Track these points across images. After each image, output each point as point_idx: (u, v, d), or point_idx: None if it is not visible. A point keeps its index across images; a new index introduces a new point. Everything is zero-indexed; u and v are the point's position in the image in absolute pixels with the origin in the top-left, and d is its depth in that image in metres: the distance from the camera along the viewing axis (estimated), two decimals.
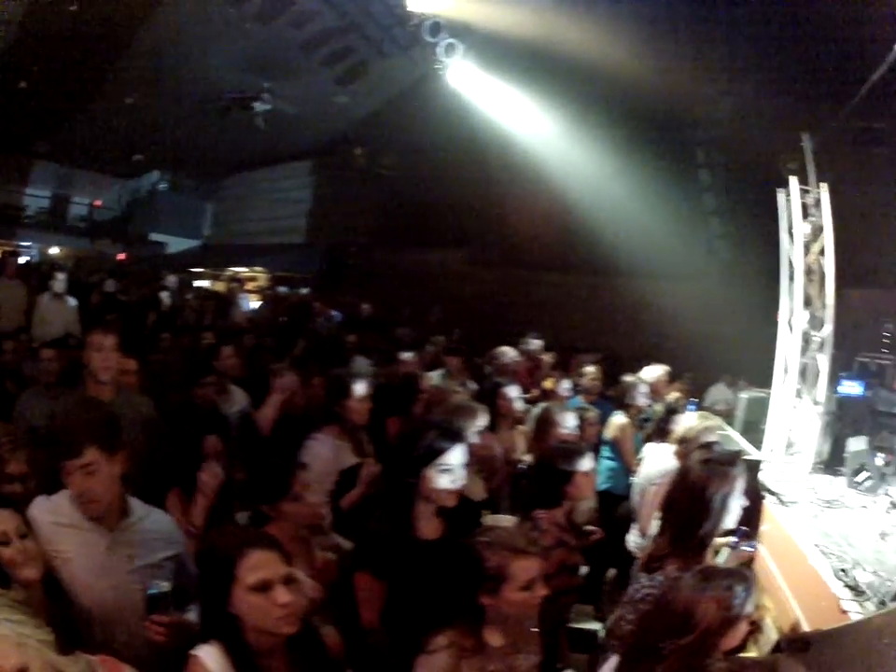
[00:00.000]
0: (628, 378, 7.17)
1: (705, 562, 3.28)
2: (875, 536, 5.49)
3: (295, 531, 3.36)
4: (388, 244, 19.19)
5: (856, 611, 4.24)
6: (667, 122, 13.52)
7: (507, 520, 3.38)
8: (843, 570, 4.81)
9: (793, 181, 7.80)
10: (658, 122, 13.44)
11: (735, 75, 11.05)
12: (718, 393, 11.21)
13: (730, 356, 11.19)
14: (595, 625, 5.65)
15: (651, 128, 13.51)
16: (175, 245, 24.23)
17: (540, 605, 2.94)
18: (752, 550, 3.66)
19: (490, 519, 3.43)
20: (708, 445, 4.68)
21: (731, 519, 3.46)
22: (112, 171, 23.33)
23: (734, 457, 3.61)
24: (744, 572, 2.69)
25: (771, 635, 4.91)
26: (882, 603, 4.31)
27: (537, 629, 3.01)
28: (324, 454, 4.61)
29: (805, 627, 4.63)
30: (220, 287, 18.64)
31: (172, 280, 14.84)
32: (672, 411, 5.94)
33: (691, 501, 3.35)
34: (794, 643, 3.34)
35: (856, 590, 4.51)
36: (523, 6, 11.28)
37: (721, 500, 3.34)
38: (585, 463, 4.11)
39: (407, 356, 7.66)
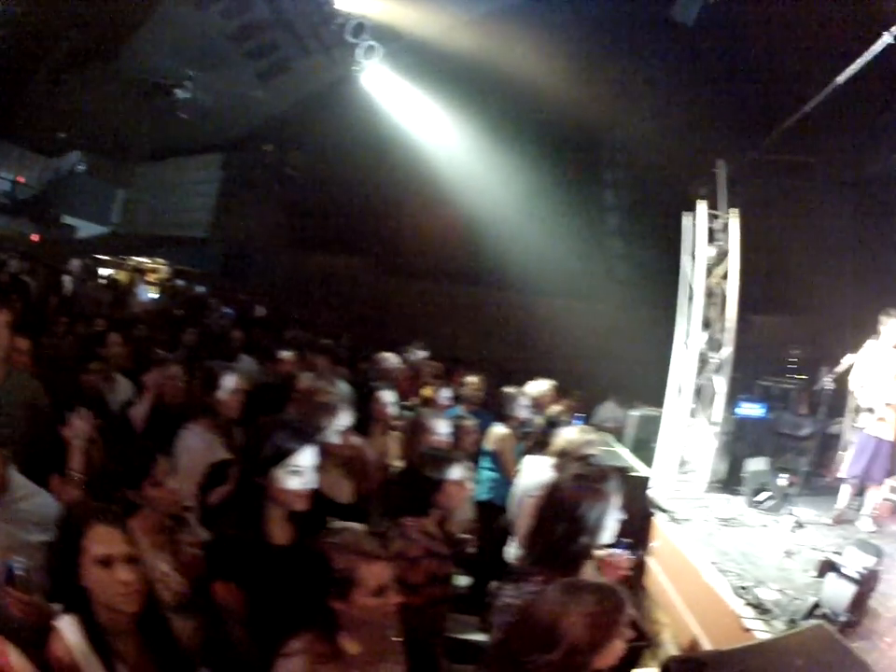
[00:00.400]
0: (508, 389, 6.86)
1: (580, 576, 3.00)
2: (779, 554, 5.40)
3: (161, 522, 3.18)
4: (288, 245, 18.86)
5: (761, 630, 4.08)
6: (577, 142, 13.44)
7: (356, 524, 2.97)
8: (743, 588, 4.65)
9: (702, 205, 7.75)
10: (568, 141, 13.32)
11: (651, 98, 10.98)
12: (607, 411, 10.94)
13: (623, 375, 10.90)
14: (480, 636, 5.39)
15: (560, 146, 13.35)
16: (86, 229, 23.15)
17: (411, 614, 2.85)
18: (633, 557, 3.34)
19: (337, 522, 2.99)
20: (584, 459, 4.50)
21: (607, 535, 3.18)
22: (37, 147, 22.27)
23: (606, 474, 3.32)
24: (614, 587, 2.42)
25: (669, 650, 4.79)
26: (792, 622, 4.14)
27: (399, 639, 2.75)
28: (193, 445, 4.35)
29: (707, 645, 4.45)
30: (123, 276, 18.01)
31: (75, 265, 14.20)
32: (553, 423, 5.64)
33: (562, 518, 3.06)
34: (685, 664, 2.94)
35: (760, 608, 4.36)
36: (449, 16, 11.05)
37: (595, 517, 3.07)
38: (456, 471, 3.79)
39: (286, 354, 7.31)
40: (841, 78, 6.13)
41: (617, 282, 13.54)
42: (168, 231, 21.61)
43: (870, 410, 6.51)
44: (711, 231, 7.71)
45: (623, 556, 3.31)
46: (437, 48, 10.83)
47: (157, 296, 15.68)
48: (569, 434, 5.00)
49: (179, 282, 18.43)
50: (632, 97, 10.87)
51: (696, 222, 7.76)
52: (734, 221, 7.65)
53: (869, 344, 6.64)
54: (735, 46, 9.27)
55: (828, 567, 4.23)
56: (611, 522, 3.14)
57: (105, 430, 4.09)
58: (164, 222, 22.03)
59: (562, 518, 3.03)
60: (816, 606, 4.16)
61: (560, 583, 2.38)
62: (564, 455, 4.71)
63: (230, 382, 4.73)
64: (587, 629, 2.19)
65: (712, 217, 7.75)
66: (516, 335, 13.74)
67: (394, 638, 2.74)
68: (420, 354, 9.05)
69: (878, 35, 5.66)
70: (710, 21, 8.01)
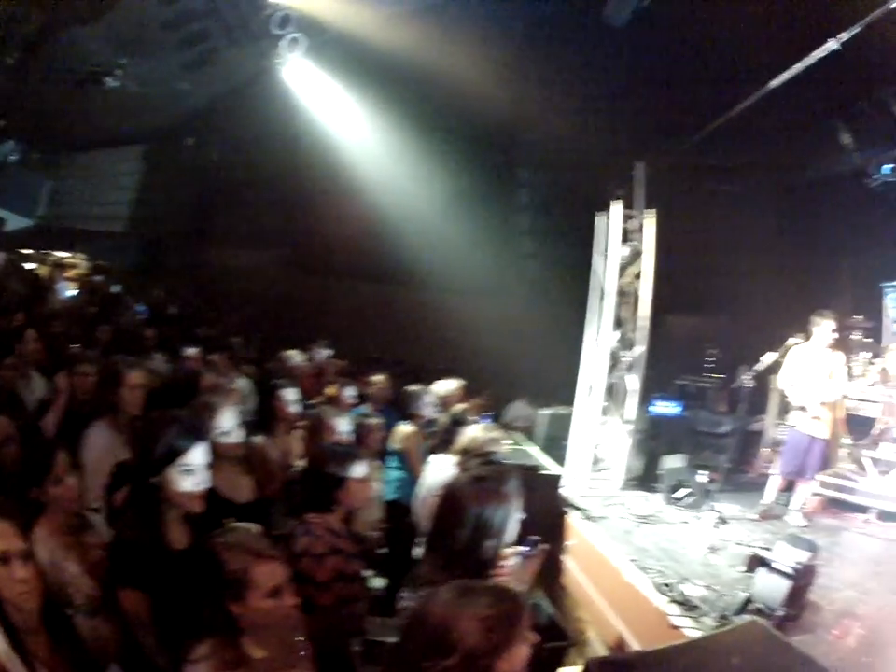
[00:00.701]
0: (413, 388, 6.49)
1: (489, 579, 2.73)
2: (702, 551, 5.18)
3: (67, 523, 3.02)
4: (202, 241, 18.10)
5: (690, 627, 3.87)
6: (494, 140, 13.17)
7: (250, 524, 2.77)
8: (666, 585, 4.41)
9: (617, 205, 7.46)
10: (484, 139, 13.03)
11: (572, 98, 10.73)
12: (517, 410, 10.67)
13: (534, 374, 10.70)
14: None
15: (476, 144, 13.07)
16: (15, 222, 22.31)
17: (322, 614, 2.88)
18: (531, 556, 2.92)
19: (233, 523, 2.81)
20: (487, 456, 4.32)
21: (510, 535, 2.88)
22: None
23: (505, 473, 3.07)
24: (510, 590, 2.18)
25: (596, 648, 4.63)
26: (724, 618, 3.91)
27: (307, 641, 2.59)
28: (98, 443, 4.12)
29: (634, 644, 4.24)
30: (44, 271, 17.26)
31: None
32: (458, 422, 5.35)
33: (464, 523, 2.79)
34: (606, 667, 2.69)
35: (686, 605, 4.13)
36: (375, 11, 10.62)
37: (498, 521, 2.81)
38: (359, 469, 3.64)
39: (191, 351, 7.03)
40: (775, 83, 6.07)
41: (528, 281, 13.28)
42: (89, 224, 20.73)
43: (801, 408, 6.40)
44: (626, 231, 7.45)
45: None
46: (360, 42, 10.42)
47: (75, 292, 14.93)
48: (473, 432, 4.76)
49: (97, 278, 17.72)
50: (552, 96, 10.61)
51: (610, 222, 7.49)
52: (649, 222, 7.40)
53: (796, 344, 6.53)
54: (662, 49, 9.09)
55: (757, 562, 4.00)
56: (514, 522, 2.88)
57: (22, 428, 3.93)
58: (86, 215, 21.09)
59: (463, 523, 2.78)
60: (748, 601, 3.92)
61: (452, 586, 2.11)
62: (467, 454, 4.51)
63: (131, 377, 4.44)
64: (483, 633, 1.93)
65: (627, 218, 7.47)
66: (428, 334, 13.27)
67: (301, 642, 2.59)
68: (325, 352, 8.78)
69: (812, 44, 5.54)
70: (639, 23, 7.87)
